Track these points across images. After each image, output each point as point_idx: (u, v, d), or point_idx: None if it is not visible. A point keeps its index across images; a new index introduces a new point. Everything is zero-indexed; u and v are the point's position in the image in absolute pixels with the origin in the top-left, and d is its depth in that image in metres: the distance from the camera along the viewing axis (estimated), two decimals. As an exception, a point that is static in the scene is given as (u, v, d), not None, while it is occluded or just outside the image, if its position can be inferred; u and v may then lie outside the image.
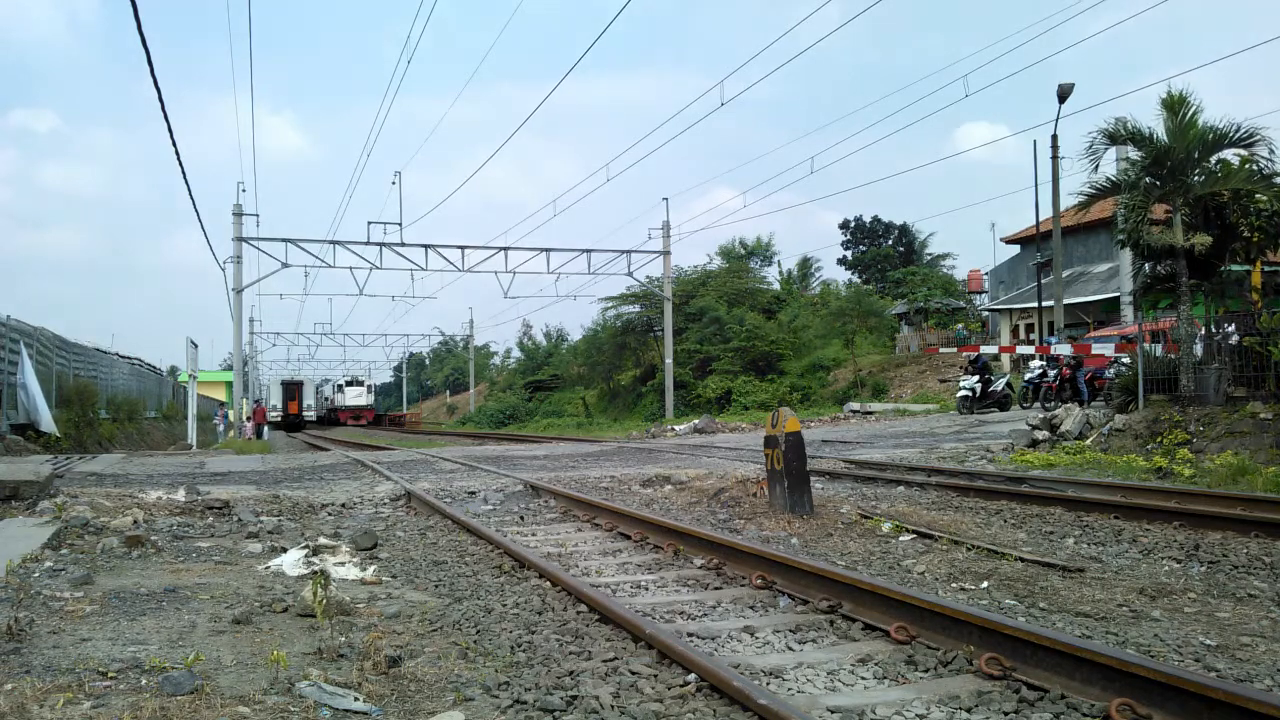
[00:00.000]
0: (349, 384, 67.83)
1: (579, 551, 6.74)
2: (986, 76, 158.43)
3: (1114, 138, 12.54)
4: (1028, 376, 21.96)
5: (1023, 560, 5.86)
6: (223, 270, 31.98)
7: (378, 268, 33.91)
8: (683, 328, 41.56)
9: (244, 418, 33.60)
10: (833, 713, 3.29)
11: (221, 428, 32.77)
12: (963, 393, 23.16)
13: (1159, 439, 11.14)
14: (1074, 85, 24.45)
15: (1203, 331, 12.29)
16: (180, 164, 17.82)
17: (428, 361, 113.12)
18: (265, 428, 34.44)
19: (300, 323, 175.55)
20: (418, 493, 9.77)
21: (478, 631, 4.42)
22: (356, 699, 3.33)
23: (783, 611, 4.78)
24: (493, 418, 56.24)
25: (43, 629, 4.34)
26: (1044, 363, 20.98)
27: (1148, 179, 12.11)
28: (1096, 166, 12.65)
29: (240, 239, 32.12)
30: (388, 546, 7.08)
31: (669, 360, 37.43)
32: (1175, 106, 11.82)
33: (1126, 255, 20.51)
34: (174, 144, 15.81)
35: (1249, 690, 3.11)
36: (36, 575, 5.59)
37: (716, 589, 5.35)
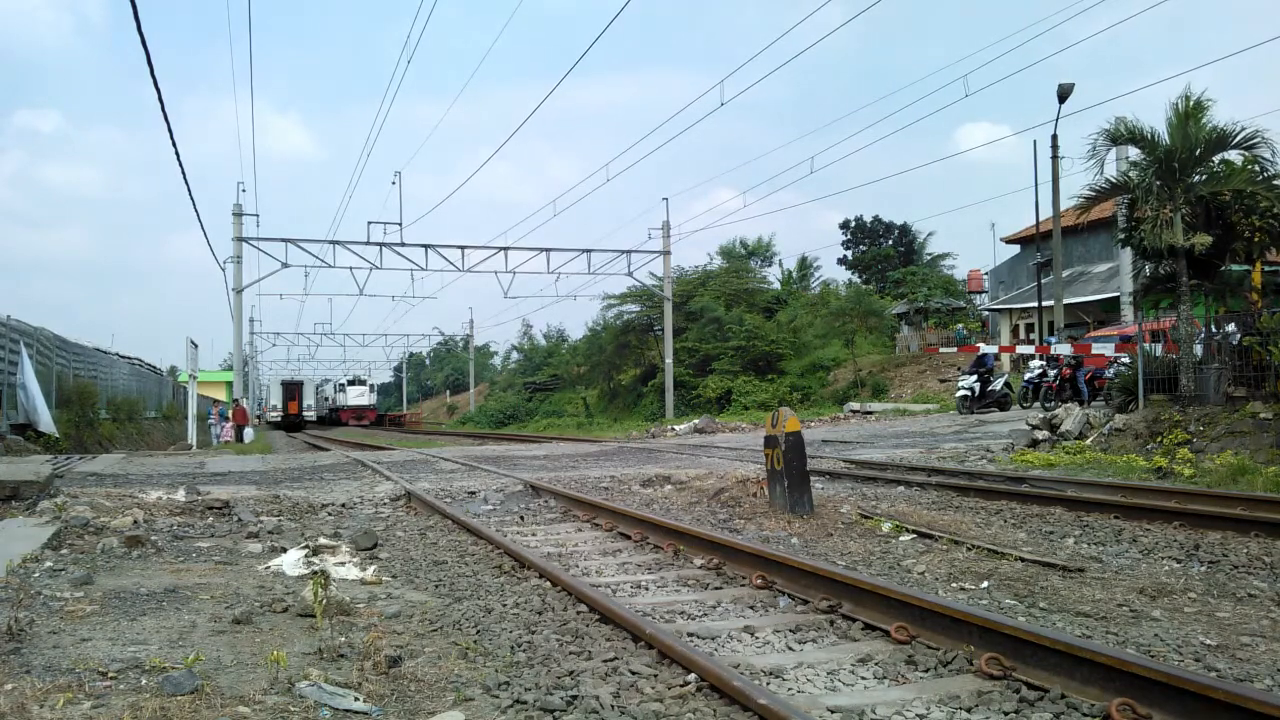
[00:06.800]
0: (351, 383, 67.68)
1: (579, 551, 6.74)
2: (986, 76, 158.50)
3: (1115, 138, 12.54)
4: (1028, 376, 21.95)
5: (1023, 560, 5.86)
6: (223, 270, 32.03)
7: (378, 268, 33.96)
8: (683, 327, 41.56)
9: (223, 417, 32.21)
10: (833, 712, 3.29)
11: (217, 429, 32.04)
12: (962, 393, 23.14)
13: (1159, 439, 11.14)
14: (1074, 85, 24.45)
15: (1203, 331, 12.28)
16: (180, 164, 17.83)
17: (428, 361, 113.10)
18: (247, 429, 32.19)
19: (300, 323, 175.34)
20: (418, 493, 9.77)
21: (478, 631, 4.42)
22: (356, 699, 3.33)
23: (783, 611, 4.78)
24: (493, 418, 56.24)
25: (43, 629, 4.34)
26: (1044, 362, 20.96)
27: (1156, 181, 12.08)
28: (1101, 169, 12.67)
29: (240, 239, 32.14)
30: (388, 546, 7.08)
31: (669, 360, 37.44)
32: (1192, 112, 11.80)
33: (1126, 255, 20.52)
34: (174, 144, 15.82)
35: (1249, 690, 3.11)
36: (36, 575, 5.59)
37: (716, 589, 5.35)
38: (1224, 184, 11.60)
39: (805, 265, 58.48)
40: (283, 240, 32.53)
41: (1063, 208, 24.63)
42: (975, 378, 22.94)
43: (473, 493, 10.09)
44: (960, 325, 41.33)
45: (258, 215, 43.11)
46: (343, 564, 6.14)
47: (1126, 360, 15.95)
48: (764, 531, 7.16)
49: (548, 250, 35.41)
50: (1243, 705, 2.83)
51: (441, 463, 14.87)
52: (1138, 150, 12.61)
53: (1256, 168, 11.73)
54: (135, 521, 7.80)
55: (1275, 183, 11.55)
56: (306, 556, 6.28)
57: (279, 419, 59.63)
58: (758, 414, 31.12)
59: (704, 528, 6.90)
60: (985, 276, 45.60)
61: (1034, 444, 12.84)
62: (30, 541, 6.44)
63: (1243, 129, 11.65)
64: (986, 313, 43.27)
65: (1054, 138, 24.75)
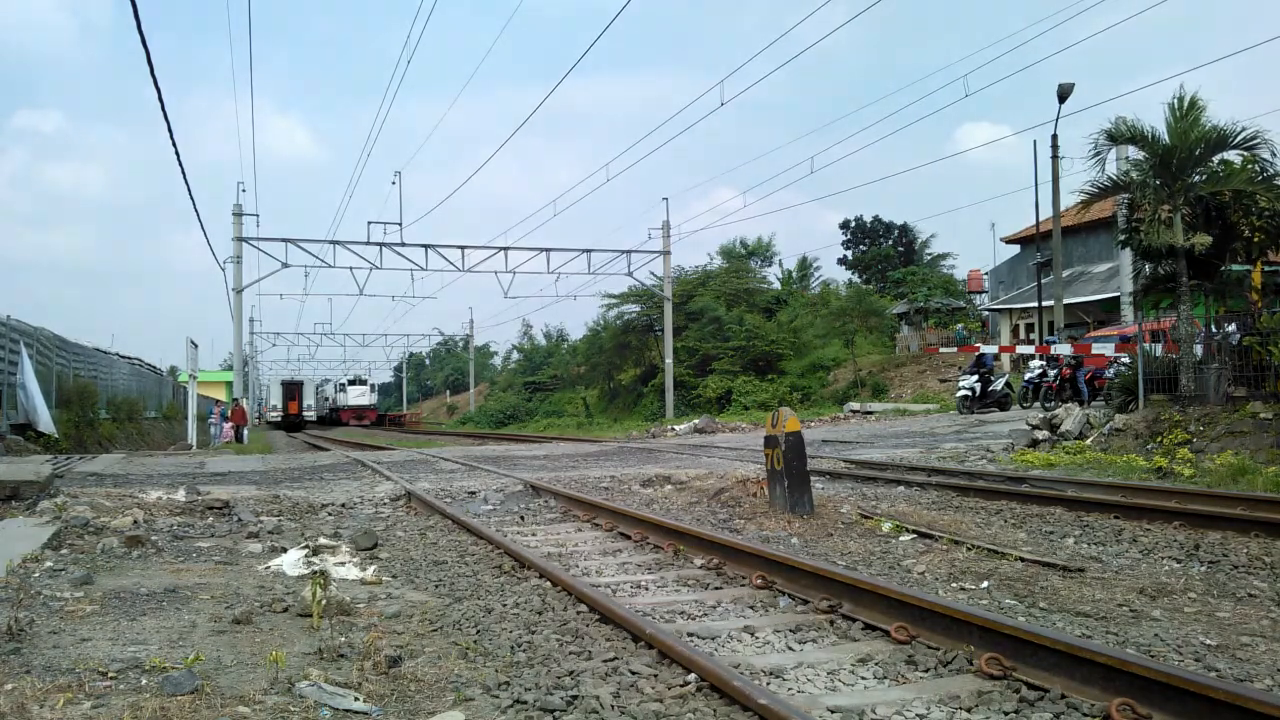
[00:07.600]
0: (351, 383, 67.65)
1: (579, 551, 6.73)
2: (986, 76, 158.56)
3: (1115, 138, 12.55)
4: (1028, 376, 21.96)
5: (1023, 560, 5.86)
6: (223, 270, 32.03)
7: (378, 268, 33.97)
8: (683, 327, 41.58)
9: (223, 417, 31.80)
10: (833, 712, 3.28)
11: (217, 429, 31.75)
12: (962, 392, 23.15)
13: (1159, 439, 11.14)
14: (1074, 85, 24.45)
15: (1203, 331, 12.28)
16: (180, 164, 17.83)
17: (428, 361, 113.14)
18: (245, 429, 31.62)
19: (300, 323, 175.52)
20: (418, 493, 9.77)
21: (478, 631, 4.42)
22: (356, 699, 3.33)
23: (783, 611, 4.78)
24: (493, 418, 56.26)
25: (43, 629, 4.34)
26: (1044, 363, 20.97)
27: (1155, 180, 12.08)
28: (1103, 167, 12.67)
29: (240, 239, 32.14)
30: (388, 546, 7.08)
31: (669, 360, 37.45)
32: (1186, 111, 11.81)
33: (1126, 255, 20.50)
34: (174, 144, 15.81)
35: (1249, 690, 3.11)
36: (37, 575, 5.59)
37: (717, 589, 5.35)
38: (1224, 184, 11.60)
39: (805, 265, 58.62)
40: (283, 240, 32.55)
41: (1063, 207, 24.65)
42: (975, 378, 22.95)
43: (473, 493, 10.09)
44: (960, 325, 41.33)
45: (258, 215, 43.02)
46: (343, 564, 6.14)
47: (1126, 360, 15.95)
48: (764, 531, 7.16)
49: (548, 250, 35.43)
50: (1243, 705, 2.83)
51: (441, 463, 14.87)
52: (1138, 150, 12.62)
53: (1256, 168, 11.73)
54: (135, 521, 7.80)
55: (1275, 183, 11.55)
56: (306, 556, 6.28)
57: (279, 419, 59.66)
58: (758, 414, 31.12)
59: (704, 528, 6.90)
60: (985, 276, 45.60)
61: (1034, 444, 12.84)
62: (30, 541, 6.44)
63: (1242, 129, 11.67)
64: (986, 313, 43.27)
65: (1054, 138, 24.77)
